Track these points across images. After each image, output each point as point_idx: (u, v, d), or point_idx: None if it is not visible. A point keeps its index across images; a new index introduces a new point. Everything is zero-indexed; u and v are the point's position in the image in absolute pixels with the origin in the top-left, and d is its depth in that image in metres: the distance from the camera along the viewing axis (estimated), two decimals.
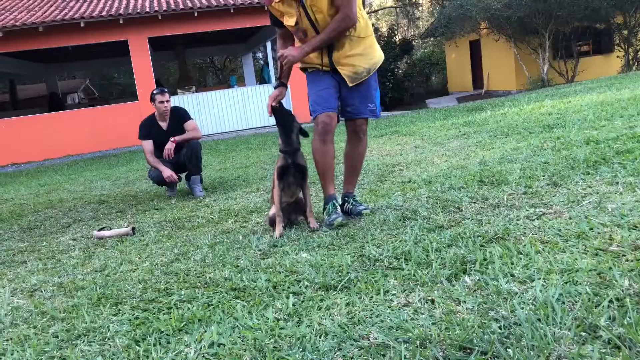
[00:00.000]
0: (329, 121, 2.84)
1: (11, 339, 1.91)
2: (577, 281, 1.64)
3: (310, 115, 2.94)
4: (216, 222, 3.46)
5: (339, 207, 2.91)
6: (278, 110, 2.88)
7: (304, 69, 3.03)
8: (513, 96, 11.73)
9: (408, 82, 25.12)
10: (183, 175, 4.95)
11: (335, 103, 2.88)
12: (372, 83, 2.92)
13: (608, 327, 1.36)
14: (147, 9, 12.42)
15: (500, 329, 1.44)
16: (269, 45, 15.27)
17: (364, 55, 2.83)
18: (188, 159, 4.68)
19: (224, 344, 1.61)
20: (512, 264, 1.85)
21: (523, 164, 3.43)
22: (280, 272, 2.17)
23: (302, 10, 2.73)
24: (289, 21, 2.79)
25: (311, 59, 2.87)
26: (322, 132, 2.85)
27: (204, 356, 1.57)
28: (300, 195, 3.00)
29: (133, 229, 3.46)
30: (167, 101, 4.70)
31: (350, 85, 2.84)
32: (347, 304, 1.77)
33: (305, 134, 2.96)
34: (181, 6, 12.64)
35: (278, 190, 2.88)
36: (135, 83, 12.94)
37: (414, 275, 1.91)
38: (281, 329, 1.66)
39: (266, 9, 2.87)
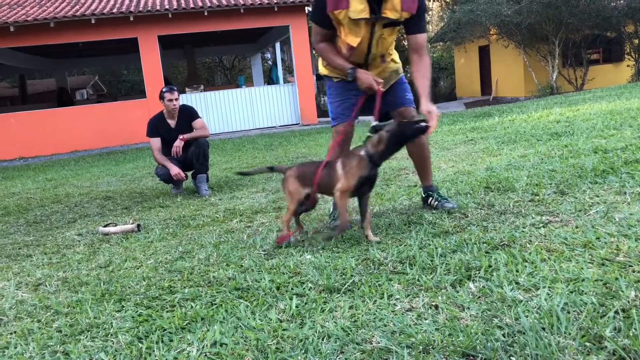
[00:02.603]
0: (349, 129, 2.88)
1: (15, 332, 1.92)
2: (583, 291, 1.62)
3: (331, 123, 2.97)
4: (221, 221, 3.46)
5: None
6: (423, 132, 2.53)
7: (327, 77, 2.96)
8: (521, 103, 11.69)
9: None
10: (189, 174, 4.96)
11: (354, 111, 2.87)
12: (403, 77, 2.98)
13: (613, 338, 1.35)
14: (158, 7, 12.48)
15: (504, 337, 1.43)
16: (277, 46, 15.31)
17: (393, 64, 2.89)
18: (195, 157, 4.69)
19: (226, 344, 1.61)
20: (517, 271, 1.84)
21: (530, 171, 3.41)
22: (284, 273, 2.17)
23: (368, 37, 2.63)
24: (350, 39, 2.62)
25: (339, 72, 2.81)
26: (342, 142, 2.87)
27: (206, 355, 1.57)
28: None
29: (138, 225, 3.47)
30: (176, 99, 4.72)
31: (382, 90, 2.75)
32: (351, 307, 1.77)
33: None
34: (191, 5, 12.69)
35: (347, 199, 2.51)
36: (144, 81, 12.99)
37: (418, 280, 1.90)
38: (284, 330, 1.66)
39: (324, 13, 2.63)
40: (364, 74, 2.66)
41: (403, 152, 5.74)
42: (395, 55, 2.93)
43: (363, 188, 2.52)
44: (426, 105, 2.50)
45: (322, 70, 2.95)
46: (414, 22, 2.61)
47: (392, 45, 2.80)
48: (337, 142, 2.83)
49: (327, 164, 2.58)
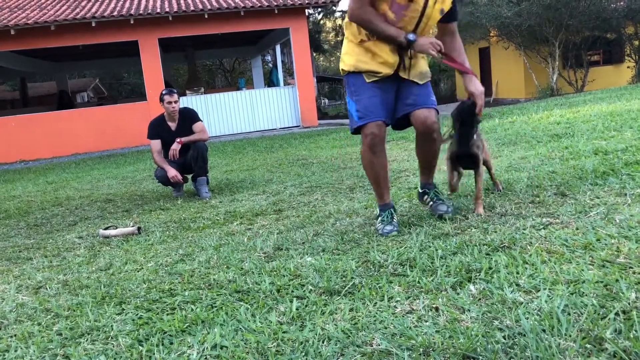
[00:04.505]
0: (377, 132, 2.56)
1: (15, 335, 1.92)
2: (583, 292, 1.62)
3: (356, 123, 2.61)
4: (221, 223, 3.46)
5: (395, 217, 2.69)
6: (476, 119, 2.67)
7: (355, 75, 2.63)
8: (522, 104, 11.69)
9: None
10: (189, 177, 4.96)
11: (385, 112, 2.61)
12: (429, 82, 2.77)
13: (614, 339, 1.35)
14: (158, 10, 12.49)
15: (505, 339, 1.43)
16: (278, 48, 15.32)
17: (425, 65, 2.73)
18: (194, 160, 4.69)
19: (226, 347, 1.61)
20: (517, 273, 1.84)
21: (530, 173, 3.41)
22: (284, 276, 2.17)
23: (423, 6, 2.48)
24: None
25: (385, 63, 2.56)
26: (372, 144, 2.59)
27: (206, 358, 1.57)
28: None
29: (139, 228, 3.47)
30: (176, 102, 4.72)
31: (420, 83, 2.65)
32: (351, 310, 1.77)
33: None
34: (192, 8, 12.71)
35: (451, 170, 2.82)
36: (145, 83, 13.01)
37: (419, 282, 1.90)
38: (284, 332, 1.66)
39: None
40: (424, 38, 2.48)
41: (402, 153, 5.73)
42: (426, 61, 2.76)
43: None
44: (472, 85, 2.59)
45: (356, 66, 2.60)
46: (453, 11, 2.59)
47: (438, 22, 2.63)
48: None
49: None
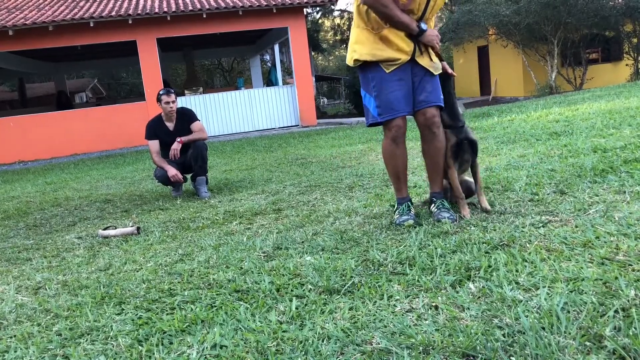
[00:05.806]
0: (402, 124, 2.67)
1: (15, 336, 1.92)
2: (583, 290, 1.62)
3: (374, 119, 2.70)
4: (221, 223, 3.46)
5: (412, 209, 2.75)
6: (449, 78, 2.69)
7: (373, 65, 2.63)
8: (520, 102, 11.69)
9: None
10: (189, 176, 4.96)
11: (408, 103, 2.65)
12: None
13: (613, 337, 1.35)
14: (156, 10, 12.48)
15: (504, 337, 1.43)
16: (276, 47, 15.32)
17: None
18: (194, 159, 4.69)
19: (226, 346, 1.61)
20: (517, 271, 1.84)
21: (529, 171, 3.41)
22: (283, 275, 2.17)
23: None
24: None
25: (401, 50, 2.57)
26: (395, 136, 2.68)
27: (206, 357, 1.57)
28: (464, 176, 2.90)
29: (138, 228, 3.47)
30: (173, 102, 4.72)
31: (435, 74, 2.66)
32: (351, 309, 1.77)
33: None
34: (190, 7, 12.70)
35: (455, 171, 2.72)
36: (143, 83, 12.99)
37: (418, 281, 1.90)
38: (284, 332, 1.66)
39: None
40: (432, 30, 2.54)
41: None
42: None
43: (464, 155, 2.78)
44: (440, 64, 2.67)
45: (373, 54, 2.59)
46: None
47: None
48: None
49: None
